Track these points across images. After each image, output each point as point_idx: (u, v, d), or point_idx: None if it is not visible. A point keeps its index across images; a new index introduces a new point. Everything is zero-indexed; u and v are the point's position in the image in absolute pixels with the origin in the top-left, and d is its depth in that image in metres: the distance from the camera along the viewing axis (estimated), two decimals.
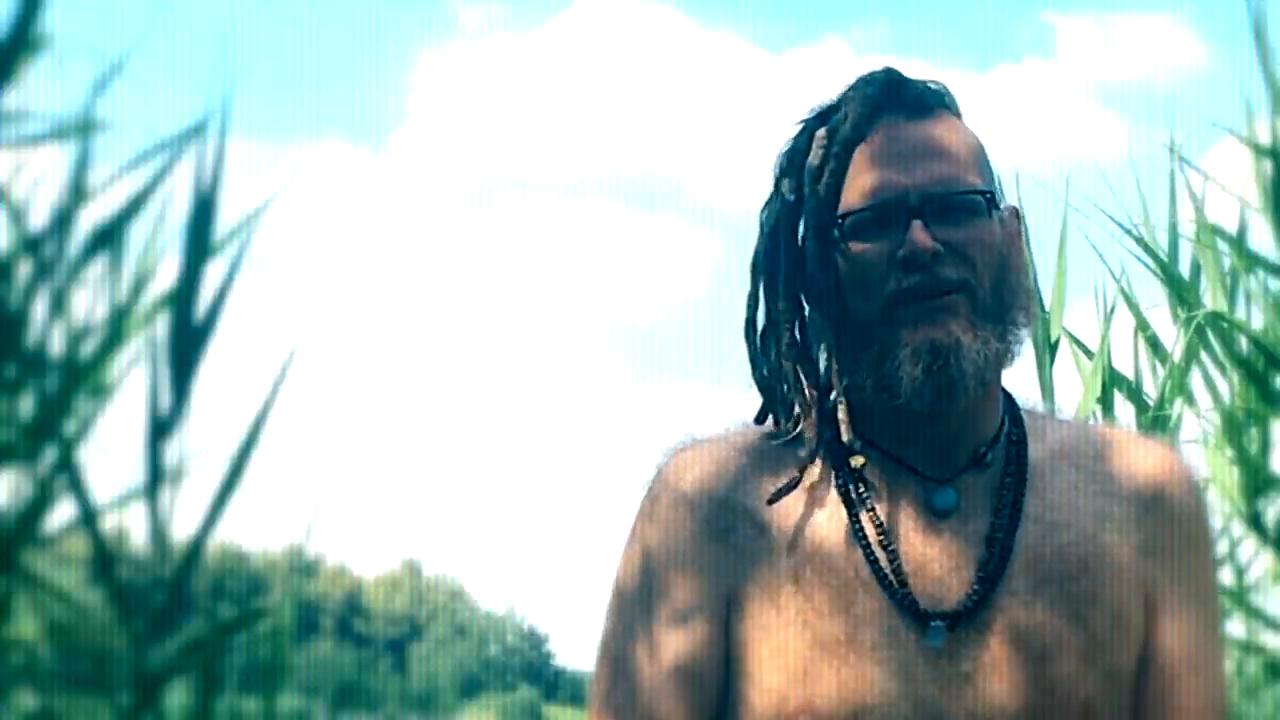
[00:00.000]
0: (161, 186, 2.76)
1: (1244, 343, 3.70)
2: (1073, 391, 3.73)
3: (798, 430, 1.77)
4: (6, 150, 2.75)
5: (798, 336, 1.79)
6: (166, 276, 2.76)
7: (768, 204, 1.81)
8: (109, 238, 2.75)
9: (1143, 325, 3.81)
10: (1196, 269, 3.86)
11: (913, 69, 1.81)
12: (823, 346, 1.78)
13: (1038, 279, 3.68)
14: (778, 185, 1.80)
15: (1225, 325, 3.71)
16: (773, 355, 1.78)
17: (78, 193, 2.75)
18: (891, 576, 1.71)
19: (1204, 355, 3.75)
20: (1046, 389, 3.72)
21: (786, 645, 1.72)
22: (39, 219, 2.74)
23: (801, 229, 1.77)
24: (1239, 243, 3.80)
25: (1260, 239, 3.82)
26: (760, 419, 1.81)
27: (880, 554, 1.72)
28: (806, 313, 1.79)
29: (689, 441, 1.83)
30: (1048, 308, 3.73)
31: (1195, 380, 3.76)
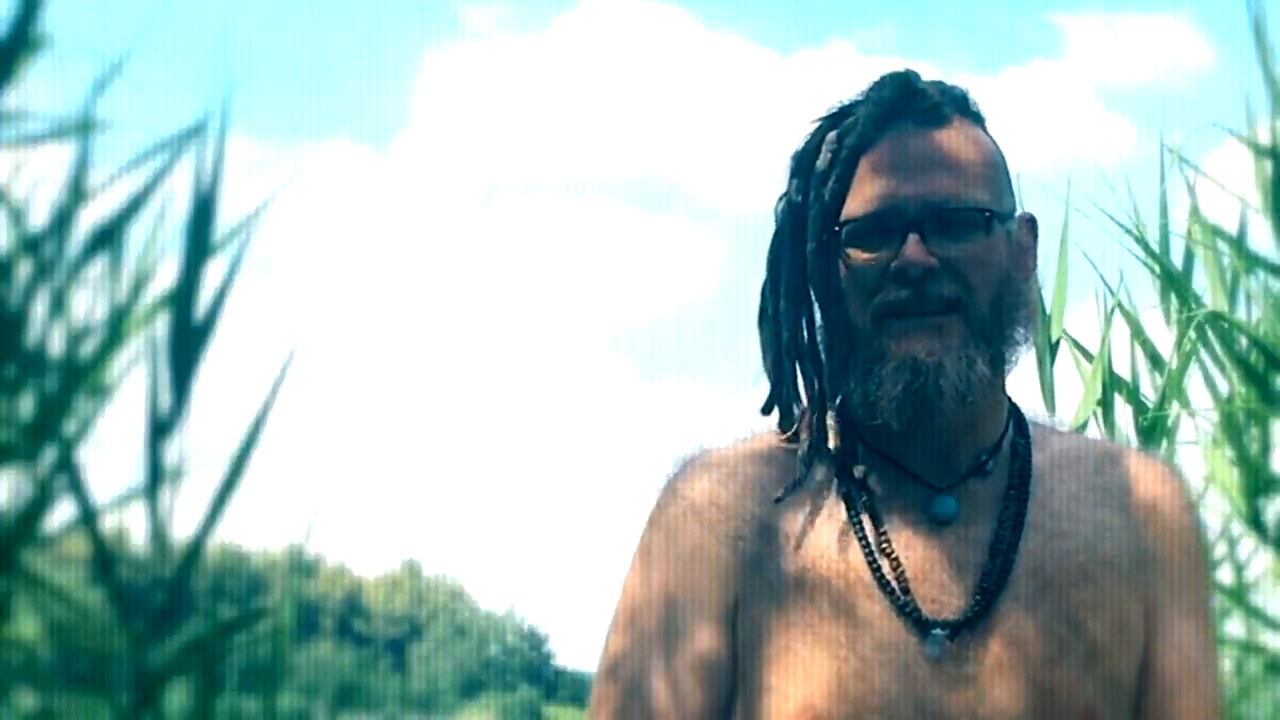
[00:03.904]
0: (161, 186, 2.77)
1: (1244, 342, 3.70)
2: (1073, 393, 3.74)
3: (793, 432, 1.77)
4: (6, 150, 2.75)
5: (805, 335, 1.78)
6: (166, 276, 2.76)
7: (780, 199, 1.80)
8: (109, 238, 2.75)
9: (1137, 331, 3.81)
10: (1197, 268, 3.86)
11: (921, 71, 1.79)
12: (824, 349, 1.78)
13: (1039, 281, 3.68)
14: (789, 185, 1.79)
15: (1225, 325, 3.71)
16: (772, 353, 1.78)
17: (78, 193, 2.75)
18: (894, 583, 1.71)
19: (1204, 355, 3.75)
20: (1047, 390, 3.72)
21: (788, 647, 1.72)
22: (39, 219, 2.74)
23: (806, 232, 1.77)
24: (1239, 243, 3.80)
25: (1260, 239, 3.82)
26: (766, 410, 1.81)
27: (882, 560, 1.72)
28: (815, 312, 1.78)
29: (698, 452, 1.83)
30: (1048, 309, 3.73)
31: (1196, 380, 3.76)
